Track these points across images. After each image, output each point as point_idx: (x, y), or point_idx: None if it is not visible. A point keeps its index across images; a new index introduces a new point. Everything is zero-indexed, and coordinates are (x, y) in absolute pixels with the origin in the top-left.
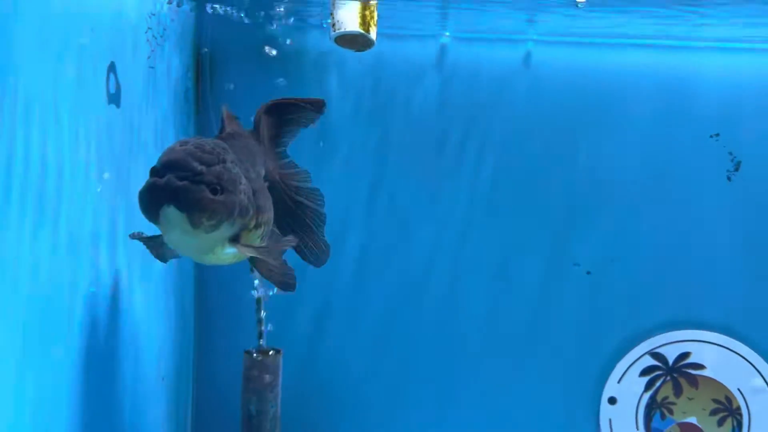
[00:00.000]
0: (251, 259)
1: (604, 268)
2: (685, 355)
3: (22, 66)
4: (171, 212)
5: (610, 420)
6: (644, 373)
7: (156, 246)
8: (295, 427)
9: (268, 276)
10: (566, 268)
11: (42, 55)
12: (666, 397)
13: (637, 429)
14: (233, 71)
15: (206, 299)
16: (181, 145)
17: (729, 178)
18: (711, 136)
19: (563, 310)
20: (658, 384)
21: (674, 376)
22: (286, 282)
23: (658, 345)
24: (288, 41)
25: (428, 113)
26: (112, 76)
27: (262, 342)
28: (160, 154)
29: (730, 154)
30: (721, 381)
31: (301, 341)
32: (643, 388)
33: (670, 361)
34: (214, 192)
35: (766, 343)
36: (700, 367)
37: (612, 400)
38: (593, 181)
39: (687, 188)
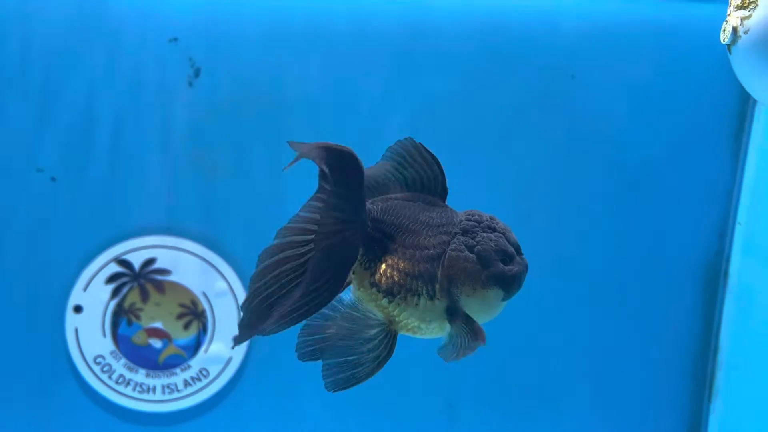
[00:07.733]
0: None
1: (70, 174)
2: (150, 261)
3: None
4: None
5: (76, 329)
6: (110, 280)
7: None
8: None
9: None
10: (28, 174)
11: None
12: (133, 304)
13: (104, 336)
14: None
15: None
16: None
17: (190, 84)
18: (170, 41)
19: (20, 218)
20: (124, 290)
21: (141, 282)
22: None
23: (123, 251)
24: None
25: None
26: None
27: None
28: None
29: (190, 59)
30: (187, 285)
31: None
32: (109, 296)
33: (137, 268)
34: None
35: (227, 246)
36: (166, 272)
37: (78, 309)
38: None
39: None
